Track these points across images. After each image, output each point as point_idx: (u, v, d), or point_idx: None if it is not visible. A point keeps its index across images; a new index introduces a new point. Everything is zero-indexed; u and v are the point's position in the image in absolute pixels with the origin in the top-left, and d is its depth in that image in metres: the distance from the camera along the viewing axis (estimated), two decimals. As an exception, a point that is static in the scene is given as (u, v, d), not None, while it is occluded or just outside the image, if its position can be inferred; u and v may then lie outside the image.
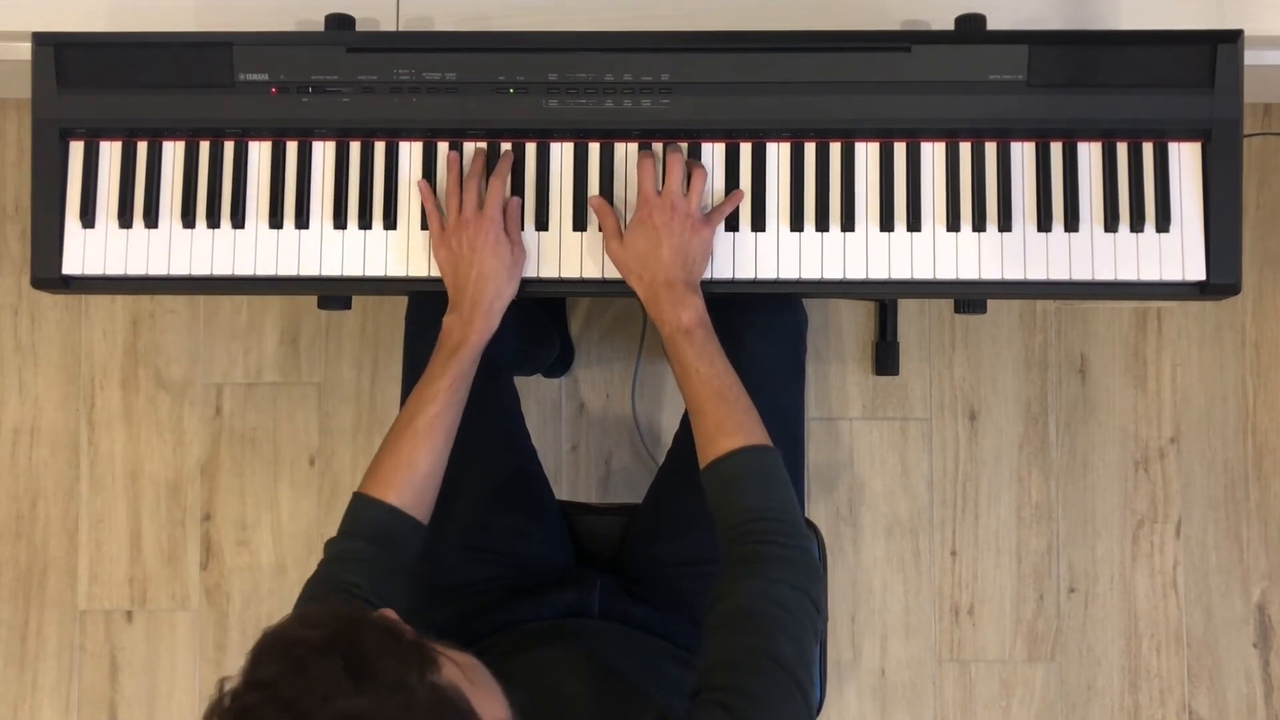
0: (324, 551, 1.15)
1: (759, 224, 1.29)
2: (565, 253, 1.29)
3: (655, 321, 1.21)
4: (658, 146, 1.29)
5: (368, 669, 0.77)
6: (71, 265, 1.31)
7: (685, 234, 1.22)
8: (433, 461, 1.19)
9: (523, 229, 1.29)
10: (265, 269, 1.31)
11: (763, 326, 1.35)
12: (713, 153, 1.29)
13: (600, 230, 1.27)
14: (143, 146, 1.32)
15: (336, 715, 0.74)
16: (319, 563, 1.15)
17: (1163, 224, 1.28)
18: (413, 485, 1.16)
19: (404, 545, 1.16)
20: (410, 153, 1.31)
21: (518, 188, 1.30)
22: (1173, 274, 1.27)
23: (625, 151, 1.30)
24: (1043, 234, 1.28)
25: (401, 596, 1.13)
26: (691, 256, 1.22)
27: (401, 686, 0.77)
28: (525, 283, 1.29)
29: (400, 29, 1.37)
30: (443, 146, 1.30)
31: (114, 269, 1.31)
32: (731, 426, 1.12)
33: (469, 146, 1.30)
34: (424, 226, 1.29)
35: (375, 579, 1.12)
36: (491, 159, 1.29)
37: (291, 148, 1.31)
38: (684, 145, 1.28)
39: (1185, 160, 1.28)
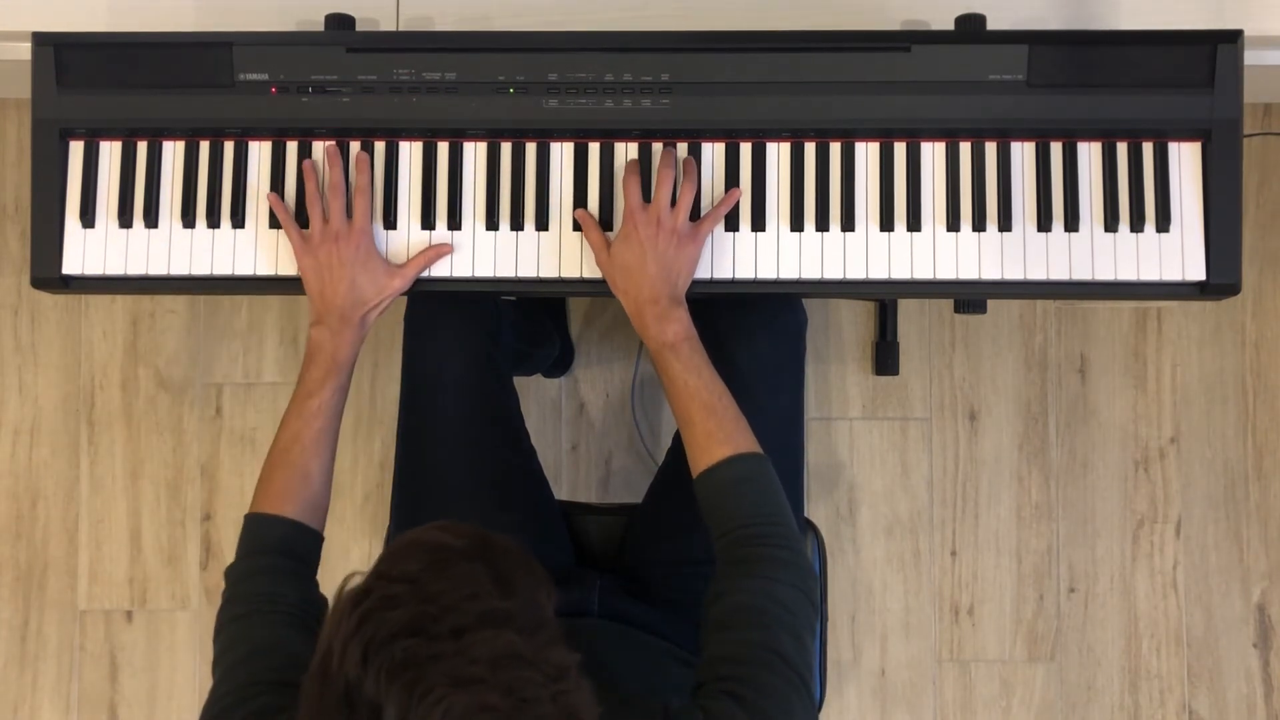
0: (225, 579, 1.13)
1: (759, 224, 1.29)
2: (565, 253, 1.29)
3: (640, 335, 1.22)
4: (657, 147, 1.29)
5: (507, 580, 0.78)
6: (71, 265, 1.31)
7: (670, 250, 1.21)
8: (325, 474, 1.19)
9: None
10: (265, 269, 1.31)
11: (762, 326, 1.35)
12: (713, 153, 1.29)
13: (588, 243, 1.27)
14: (143, 146, 1.32)
15: (482, 613, 0.75)
16: (224, 590, 1.12)
17: (1163, 224, 1.28)
18: (308, 499, 1.16)
19: (310, 559, 1.15)
20: (410, 153, 1.31)
21: (518, 188, 1.29)
22: (1173, 274, 1.27)
23: (625, 151, 1.30)
24: (1043, 234, 1.28)
25: (325, 607, 1.12)
26: (677, 271, 1.22)
27: (534, 604, 0.79)
28: (526, 283, 1.29)
29: (400, 29, 1.37)
30: (443, 146, 1.30)
31: (114, 269, 1.31)
32: (721, 436, 1.13)
33: (318, 149, 1.29)
34: (425, 226, 1.29)
35: (297, 587, 1.11)
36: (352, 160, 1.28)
37: (291, 148, 1.31)
38: (683, 145, 1.28)
39: (1185, 160, 1.28)
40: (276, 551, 1.13)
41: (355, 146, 1.29)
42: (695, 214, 1.26)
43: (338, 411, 1.22)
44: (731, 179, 1.29)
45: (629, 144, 1.29)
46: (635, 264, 1.21)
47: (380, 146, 1.30)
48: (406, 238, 1.30)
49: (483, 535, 0.82)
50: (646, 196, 1.25)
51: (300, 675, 1.01)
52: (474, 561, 0.78)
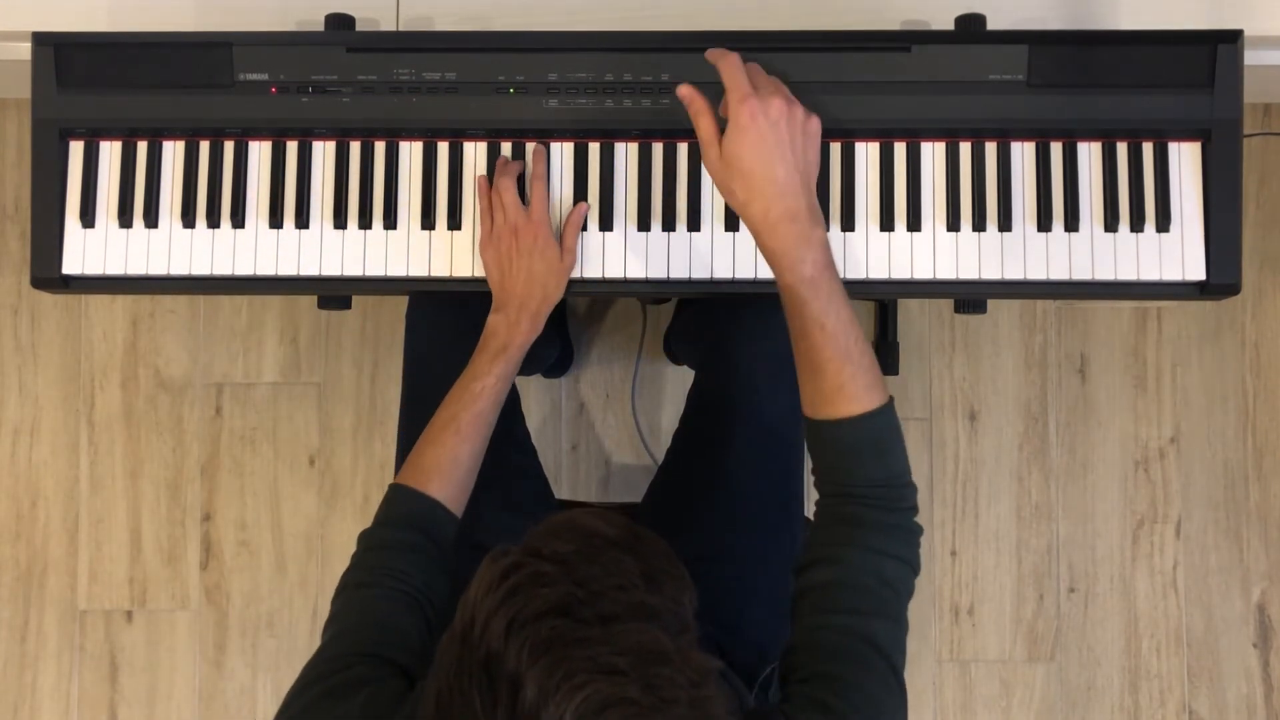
0: (359, 543, 1.12)
1: (759, 224, 1.28)
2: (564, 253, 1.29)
3: (771, 264, 1.03)
4: (658, 147, 1.28)
5: (655, 577, 0.77)
6: (71, 265, 1.31)
7: (799, 136, 1.02)
8: (474, 458, 1.19)
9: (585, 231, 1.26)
10: (265, 269, 1.31)
11: (763, 325, 1.35)
12: (713, 153, 1.29)
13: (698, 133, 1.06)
14: (143, 146, 1.32)
15: (631, 605, 0.74)
16: (356, 553, 1.12)
17: (1163, 224, 1.28)
18: (455, 480, 1.16)
19: (444, 539, 1.15)
20: (410, 153, 1.31)
21: (517, 188, 1.29)
22: (1173, 274, 1.27)
23: (625, 151, 1.30)
24: (1043, 234, 1.28)
25: (445, 590, 1.13)
26: (809, 165, 1.03)
27: (680, 604, 0.78)
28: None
29: (400, 29, 1.37)
30: (443, 146, 1.30)
31: (114, 269, 1.31)
32: (855, 390, 1.00)
33: (405, 150, 1.29)
34: (425, 226, 1.30)
35: (425, 569, 1.10)
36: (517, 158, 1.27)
37: (291, 148, 1.31)
38: (684, 146, 1.28)
39: (1185, 160, 1.28)
40: (413, 527, 1.12)
41: (405, 146, 1.29)
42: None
43: (499, 400, 1.21)
44: (731, 179, 1.28)
45: (629, 144, 1.29)
46: (760, 164, 1.00)
47: (380, 146, 1.30)
48: (406, 238, 1.30)
49: (635, 529, 0.81)
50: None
51: (404, 655, 1.02)
52: (625, 553, 0.78)
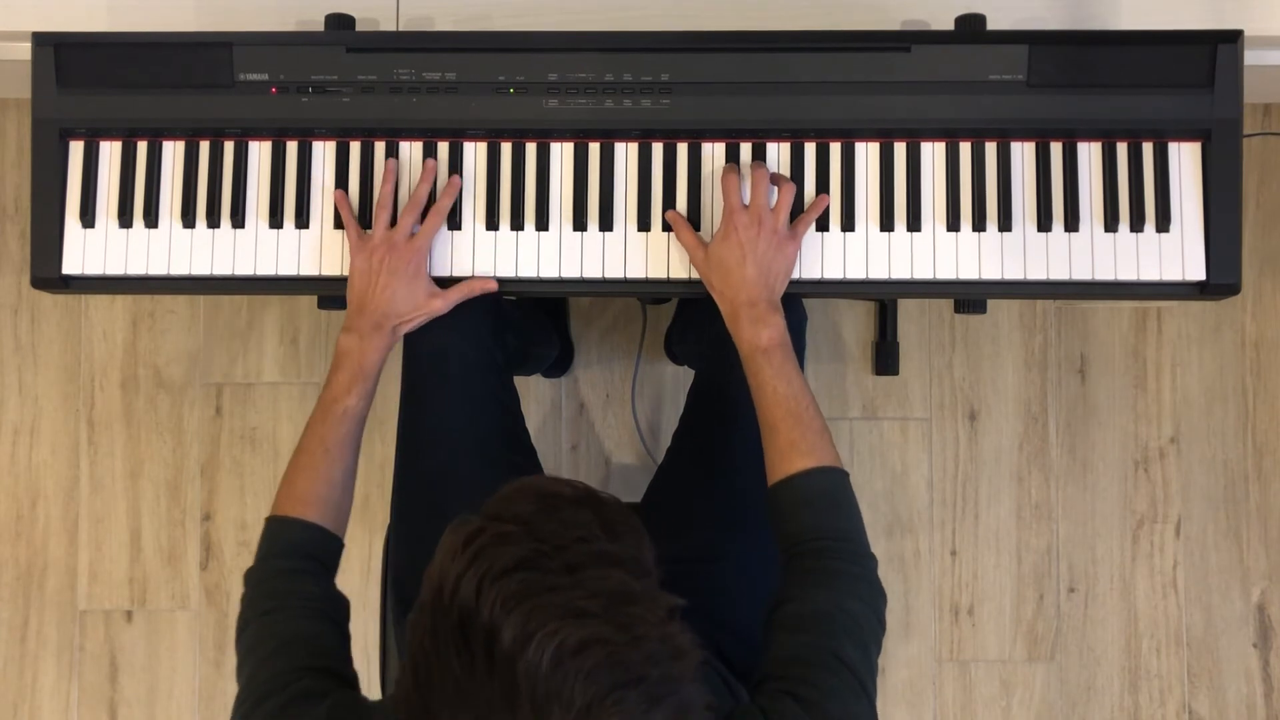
0: (246, 582, 1.11)
1: (759, 224, 1.28)
2: (565, 253, 1.29)
3: (734, 337, 1.21)
4: (658, 147, 1.29)
5: (613, 528, 0.81)
6: (71, 265, 1.31)
7: (770, 251, 1.21)
8: (348, 479, 1.20)
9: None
10: (265, 269, 1.31)
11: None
12: (713, 153, 1.29)
13: (677, 239, 1.26)
14: (143, 146, 1.32)
15: (593, 554, 0.78)
16: (245, 592, 1.11)
17: (1163, 224, 1.28)
18: (332, 502, 1.17)
19: (330, 563, 1.16)
20: (410, 153, 1.31)
21: (518, 188, 1.29)
22: (1173, 274, 1.28)
23: (625, 151, 1.30)
24: (1043, 234, 1.28)
25: (345, 601, 1.13)
26: (775, 273, 1.22)
27: (639, 549, 0.82)
28: (526, 283, 1.29)
29: (400, 29, 1.38)
30: (443, 146, 1.30)
31: (114, 269, 1.31)
32: (805, 447, 1.12)
33: (405, 150, 1.30)
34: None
35: (320, 584, 1.11)
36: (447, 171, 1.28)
37: (291, 148, 1.31)
38: (684, 146, 1.28)
39: (1185, 160, 1.28)
40: (297, 554, 1.13)
41: (406, 146, 1.30)
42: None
43: (362, 418, 1.22)
44: (731, 179, 1.29)
45: (629, 144, 1.29)
46: (734, 265, 1.20)
47: (380, 146, 1.30)
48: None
49: (589, 488, 0.85)
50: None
51: (338, 664, 1.02)
52: (582, 508, 0.81)
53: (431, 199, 1.28)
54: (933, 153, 1.29)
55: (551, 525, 0.78)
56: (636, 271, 1.29)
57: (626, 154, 1.30)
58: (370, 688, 1.14)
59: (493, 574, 0.75)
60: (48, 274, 1.31)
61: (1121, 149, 1.28)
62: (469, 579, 0.75)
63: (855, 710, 0.96)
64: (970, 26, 1.31)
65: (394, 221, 1.27)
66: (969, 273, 1.28)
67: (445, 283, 1.29)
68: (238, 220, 1.31)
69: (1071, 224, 1.28)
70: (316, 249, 1.31)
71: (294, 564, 1.12)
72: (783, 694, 0.95)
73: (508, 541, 0.77)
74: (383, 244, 1.24)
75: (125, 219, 1.31)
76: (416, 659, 0.77)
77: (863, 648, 1.00)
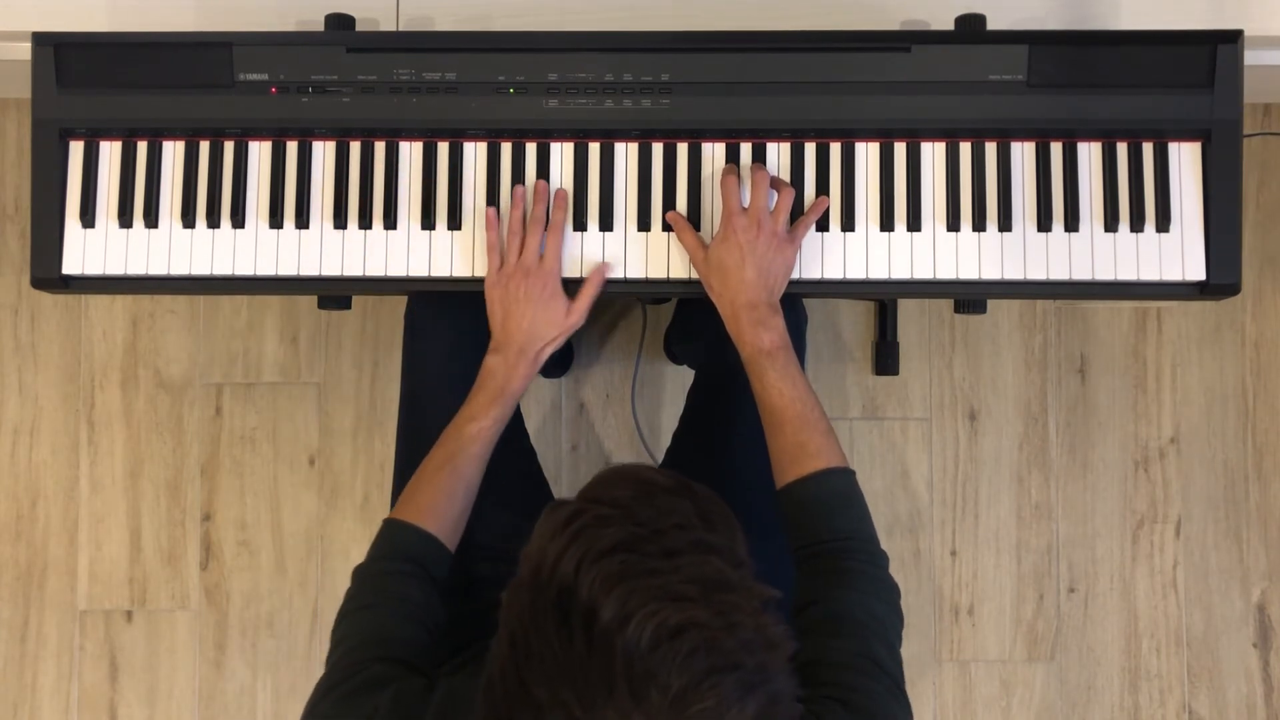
0: (354, 578, 1.14)
1: (759, 224, 1.28)
2: (565, 253, 1.29)
3: (735, 340, 1.21)
4: (658, 146, 1.29)
5: (710, 518, 0.82)
6: (71, 265, 1.31)
7: (770, 253, 1.21)
8: (469, 497, 1.21)
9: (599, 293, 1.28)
10: (265, 269, 1.31)
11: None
12: (713, 153, 1.29)
13: (679, 241, 1.27)
14: (143, 146, 1.32)
15: (691, 541, 0.78)
16: (351, 588, 1.13)
17: (1163, 224, 1.28)
18: (449, 517, 1.18)
19: (438, 573, 1.17)
20: (410, 153, 1.31)
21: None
22: (1173, 274, 1.28)
23: (625, 151, 1.30)
24: (1043, 234, 1.28)
25: (443, 614, 1.15)
26: (775, 275, 1.22)
27: (733, 540, 0.82)
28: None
29: (400, 29, 1.38)
30: (443, 146, 1.30)
31: (114, 269, 1.31)
32: (813, 449, 1.13)
33: (405, 150, 1.29)
34: (425, 227, 1.30)
35: (422, 592, 1.12)
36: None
37: (291, 148, 1.31)
38: (684, 145, 1.28)
39: (1185, 160, 1.28)
40: (409, 559, 1.14)
41: (405, 146, 1.29)
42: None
43: (492, 441, 1.23)
44: (731, 179, 1.29)
45: (629, 144, 1.29)
46: (734, 267, 1.21)
47: (380, 146, 1.30)
48: (406, 238, 1.30)
49: (684, 479, 0.85)
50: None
51: (417, 658, 1.05)
52: (679, 497, 0.82)
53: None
54: (933, 153, 1.29)
55: (649, 511, 0.79)
56: (636, 271, 1.29)
57: (626, 154, 1.30)
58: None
59: (592, 554, 0.76)
60: (48, 274, 1.31)
61: (1121, 149, 1.28)
62: (569, 558, 0.76)
63: (896, 710, 0.98)
64: (970, 26, 1.31)
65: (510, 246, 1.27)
66: (969, 273, 1.28)
67: (445, 283, 1.29)
68: (238, 220, 1.31)
69: (1071, 224, 1.28)
70: (316, 249, 1.31)
71: (401, 567, 1.13)
72: (828, 699, 0.96)
73: (607, 524, 0.78)
74: (518, 271, 1.25)
75: (125, 219, 1.31)
76: (515, 634, 0.78)
77: (890, 647, 1.03)
